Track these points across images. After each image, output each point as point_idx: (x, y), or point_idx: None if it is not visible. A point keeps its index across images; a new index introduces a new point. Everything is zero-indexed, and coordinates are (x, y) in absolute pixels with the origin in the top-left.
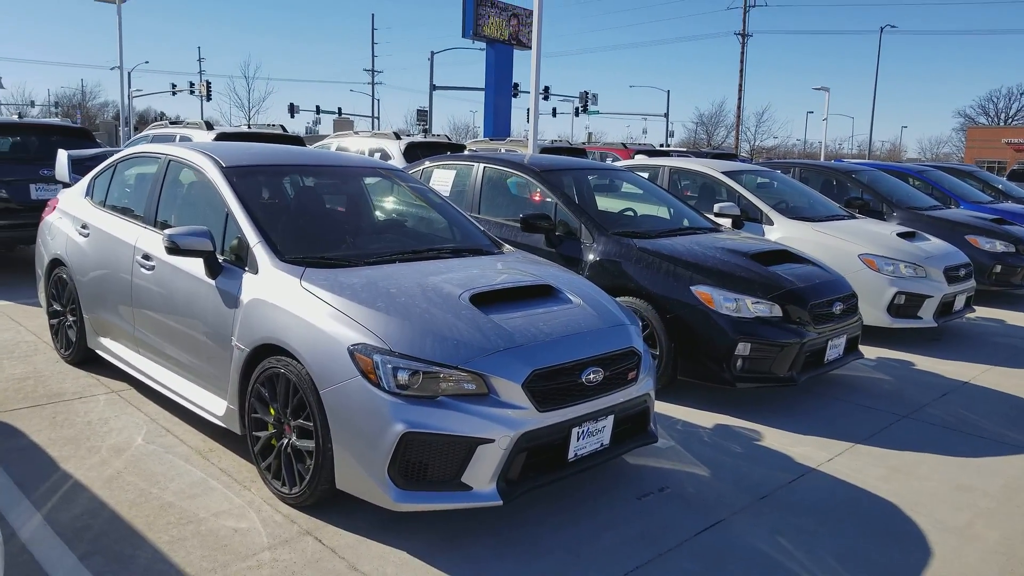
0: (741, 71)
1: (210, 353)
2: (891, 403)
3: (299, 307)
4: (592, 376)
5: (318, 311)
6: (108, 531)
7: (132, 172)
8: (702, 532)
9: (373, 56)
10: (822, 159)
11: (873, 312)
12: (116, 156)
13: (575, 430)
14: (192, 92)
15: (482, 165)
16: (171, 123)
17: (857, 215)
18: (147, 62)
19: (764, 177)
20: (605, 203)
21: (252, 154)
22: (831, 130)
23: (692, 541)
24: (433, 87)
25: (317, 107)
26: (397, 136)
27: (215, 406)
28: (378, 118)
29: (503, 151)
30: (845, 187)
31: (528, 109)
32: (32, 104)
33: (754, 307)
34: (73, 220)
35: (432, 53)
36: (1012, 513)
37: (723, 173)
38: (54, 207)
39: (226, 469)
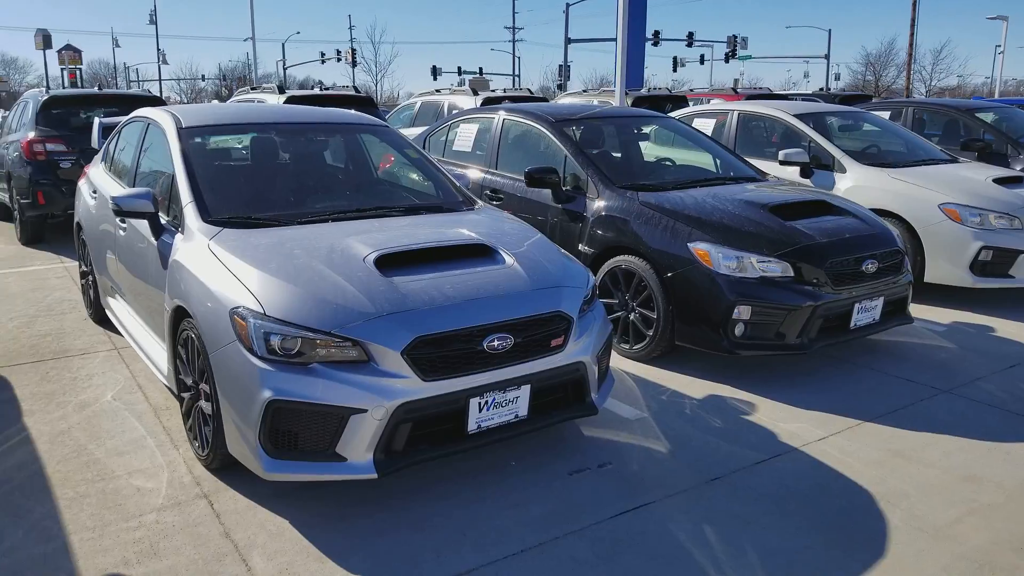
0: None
1: (157, 313)
2: (937, 375)
3: (201, 268)
4: (497, 343)
5: (215, 273)
6: (23, 486)
7: (127, 136)
8: (617, 516)
9: (514, 12)
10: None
11: (954, 270)
12: (122, 121)
13: (475, 401)
14: (339, 60)
15: (502, 117)
16: (251, 89)
17: (961, 159)
18: (298, 32)
19: (849, 119)
20: (641, 154)
21: (216, 113)
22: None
23: (599, 526)
24: (568, 40)
25: (459, 68)
26: (475, 92)
27: (163, 365)
28: (518, 76)
29: (596, 103)
30: (967, 128)
31: (674, 58)
32: (203, 78)
33: (760, 266)
34: (88, 185)
35: (567, 5)
36: (1016, 513)
37: (795, 116)
38: (86, 173)
39: (169, 428)
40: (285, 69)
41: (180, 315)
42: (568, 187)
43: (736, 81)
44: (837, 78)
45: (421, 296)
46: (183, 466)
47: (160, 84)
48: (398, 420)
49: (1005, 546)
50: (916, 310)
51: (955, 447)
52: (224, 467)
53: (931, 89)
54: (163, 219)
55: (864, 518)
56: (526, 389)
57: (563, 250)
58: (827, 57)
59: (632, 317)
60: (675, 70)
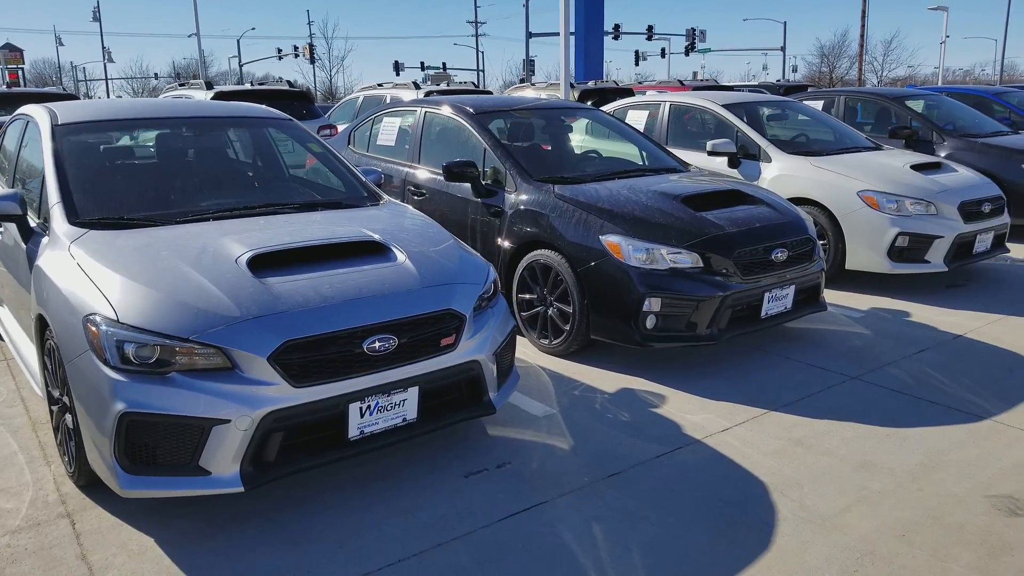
0: None
1: (28, 320)
2: (849, 361)
3: (59, 274)
4: (378, 344)
5: (72, 278)
6: None
7: (10, 135)
8: (506, 519)
9: (476, 6)
10: (939, 85)
11: (872, 256)
12: (7, 120)
13: (355, 406)
14: (296, 55)
15: (424, 111)
16: (179, 85)
17: (884, 147)
18: (254, 28)
19: (775, 109)
20: (565, 146)
21: (97, 109)
22: (972, 55)
23: (486, 530)
24: (529, 34)
25: (422, 63)
26: (416, 86)
27: (37, 377)
28: (482, 71)
29: (544, 96)
30: (896, 116)
31: (636, 51)
32: (156, 76)
33: (671, 257)
34: None
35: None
36: (905, 500)
37: (723, 107)
38: None
39: (45, 443)
40: (241, 65)
41: (43, 323)
42: (488, 181)
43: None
44: (794, 70)
45: (295, 297)
46: (51, 483)
47: (107, 83)
48: (266, 430)
49: (888, 534)
50: (837, 296)
51: (854, 434)
52: (92, 484)
53: (882, 79)
54: (32, 222)
55: (755, 510)
56: (414, 391)
57: (465, 246)
58: (783, 49)
59: (550, 312)
60: (637, 63)
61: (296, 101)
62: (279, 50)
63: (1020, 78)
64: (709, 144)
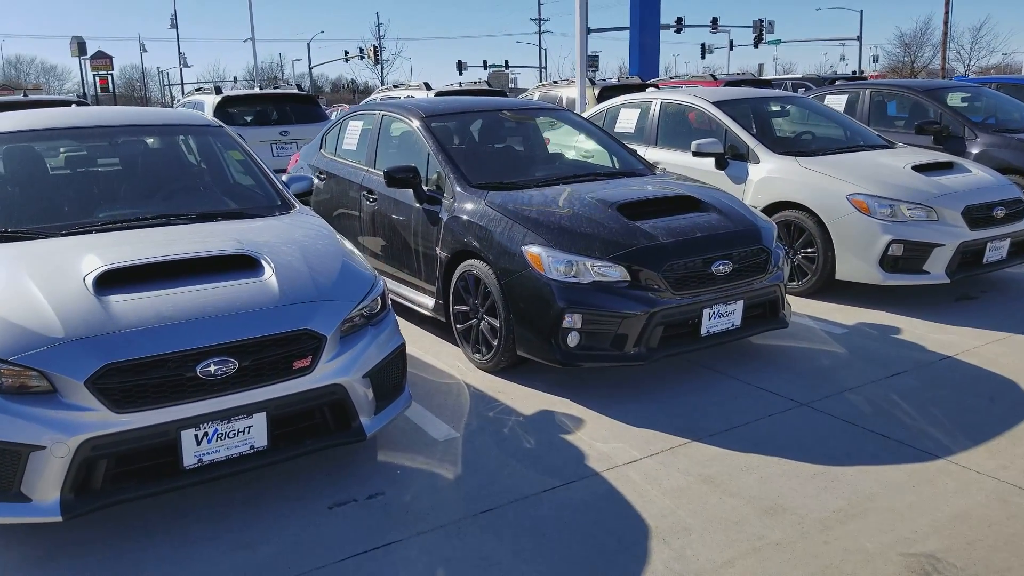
0: None
1: None
2: (805, 385)
3: None
4: (215, 368)
5: None
6: None
7: None
8: (348, 558)
9: (539, 3)
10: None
11: (863, 266)
12: None
13: (189, 433)
14: (362, 58)
15: (382, 114)
16: (196, 90)
17: (898, 145)
18: (323, 32)
19: (777, 105)
20: (522, 150)
21: (6, 120)
22: None
23: (322, 570)
24: (588, 30)
25: (484, 62)
26: (427, 87)
27: None
28: (545, 68)
29: (562, 94)
30: (926, 110)
31: (703, 44)
32: (235, 80)
33: (596, 270)
34: None
35: None
36: (803, 554)
37: (712, 104)
38: None
39: None
40: (311, 68)
41: None
42: (431, 187)
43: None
44: (875, 60)
45: (130, 317)
46: None
47: (182, 87)
48: (86, 457)
49: None
50: (825, 309)
51: (777, 472)
52: None
53: (970, 68)
54: None
55: (624, 560)
56: (260, 417)
57: (356, 259)
58: (859, 39)
59: (481, 326)
60: (703, 56)
61: (303, 104)
62: (346, 52)
63: None
64: (694, 144)
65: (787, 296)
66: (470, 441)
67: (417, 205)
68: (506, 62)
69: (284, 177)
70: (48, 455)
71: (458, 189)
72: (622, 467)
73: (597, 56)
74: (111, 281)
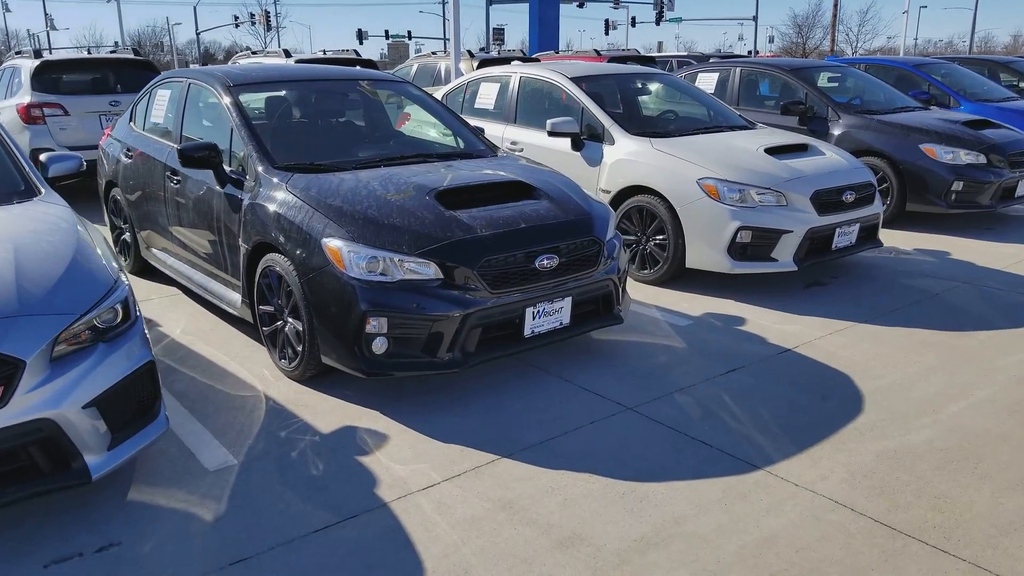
0: None
1: None
2: (636, 386)
3: None
4: None
5: None
6: None
7: None
8: None
9: None
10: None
11: (712, 254)
12: None
13: None
14: (253, 23)
15: (188, 82)
16: (16, 54)
17: (759, 125)
18: None
19: (640, 82)
20: (344, 126)
21: None
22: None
23: None
24: (490, 1)
25: (386, 31)
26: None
27: None
28: (448, 39)
29: (441, 65)
30: (792, 90)
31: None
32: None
33: (405, 267)
34: None
35: None
36: None
37: (570, 80)
38: None
39: None
40: (198, 34)
41: None
42: (235, 168)
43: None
44: (771, 40)
45: None
46: None
47: (50, 52)
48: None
49: None
50: (674, 299)
51: (584, 492)
52: None
53: (857, 50)
54: None
55: None
56: None
57: (96, 259)
58: (755, 19)
59: (287, 329)
60: (607, 32)
61: (140, 70)
62: (236, 17)
63: (995, 50)
64: (549, 123)
65: (626, 288)
66: (247, 470)
67: (219, 188)
68: (408, 32)
69: (45, 157)
70: None
71: (260, 170)
72: (415, 494)
73: (503, 29)
74: None
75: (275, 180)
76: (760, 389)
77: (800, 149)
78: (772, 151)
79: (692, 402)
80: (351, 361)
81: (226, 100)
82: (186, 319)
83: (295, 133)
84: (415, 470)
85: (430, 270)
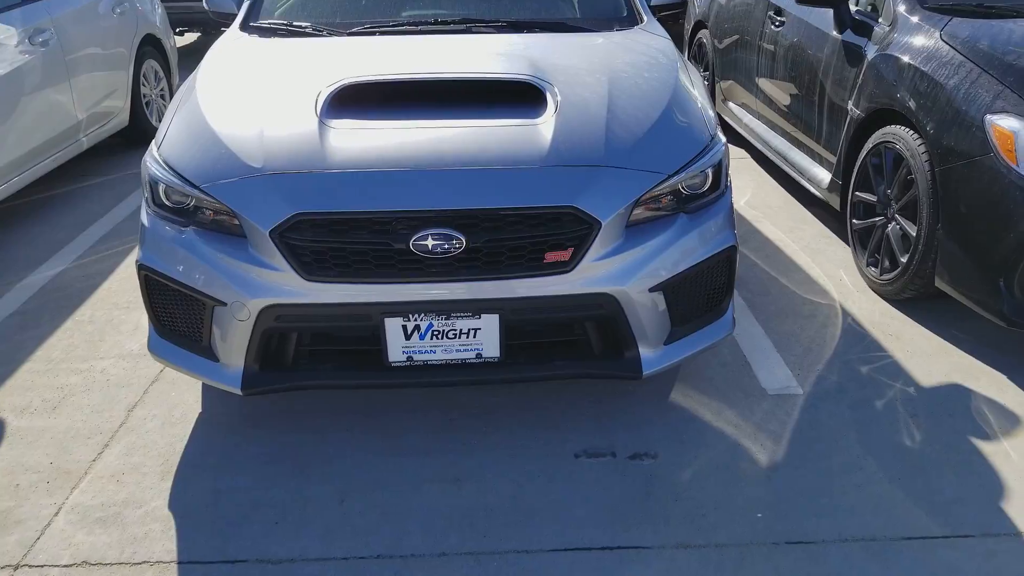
0: None
1: None
2: None
3: None
4: (433, 243)
5: None
6: None
7: None
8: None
9: None
10: None
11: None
12: None
13: (395, 321)
14: None
15: None
16: None
17: None
18: None
19: None
20: None
21: None
22: None
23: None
24: None
25: None
26: None
27: None
28: None
29: None
30: None
31: None
32: None
33: None
34: None
35: None
36: None
37: None
38: None
39: None
40: None
41: None
42: (863, 7)
43: None
44: None
45: (338, 156)
46: None
47: None
48: None
49: None
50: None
51: None
52: None
53: None
54: None
55: None
56: (492, 320)
57: (693, 106)
58: None
59: (889, 230)
60: None
61: None
62: None
63: None
64: None
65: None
66: (814, 408)
67: (835, 34)
68: None
69: None
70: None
71: (901, 10)
72: None
73: None
74: (348, 100)
75: (921, 23)
76: None
77: None
78: None
79: None
80: (988, 298)
81: None
82: (753, 190)
83: None
84: None
85: None
